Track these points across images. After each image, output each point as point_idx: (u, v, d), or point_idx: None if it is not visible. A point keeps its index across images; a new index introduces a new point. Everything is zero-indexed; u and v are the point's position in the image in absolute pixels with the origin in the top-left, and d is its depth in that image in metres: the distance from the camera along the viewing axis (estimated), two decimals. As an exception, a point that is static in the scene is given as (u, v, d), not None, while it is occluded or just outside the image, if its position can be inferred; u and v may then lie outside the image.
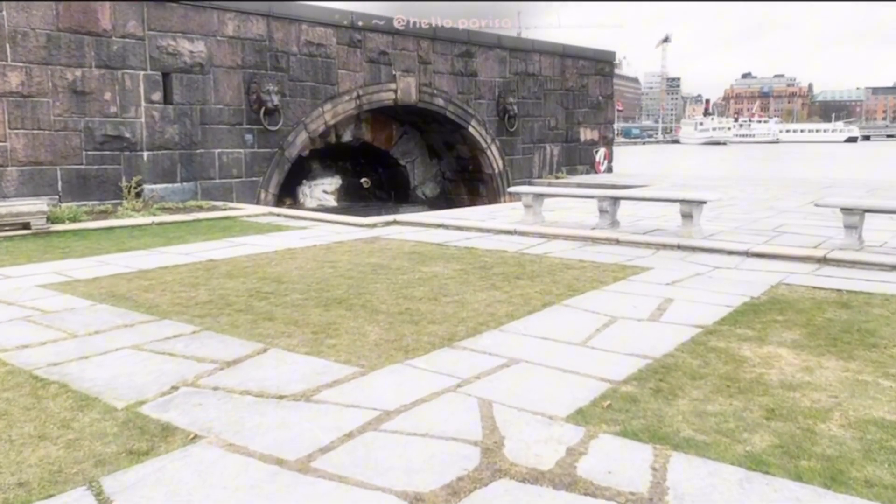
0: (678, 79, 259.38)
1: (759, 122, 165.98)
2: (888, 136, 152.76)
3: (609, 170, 22.74)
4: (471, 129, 17.80)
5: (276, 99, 13.31)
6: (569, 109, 20.91)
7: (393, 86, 15.80)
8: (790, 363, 4.25)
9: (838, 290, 6.16)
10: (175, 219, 10.60)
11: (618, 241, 8.59)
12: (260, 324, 5.06)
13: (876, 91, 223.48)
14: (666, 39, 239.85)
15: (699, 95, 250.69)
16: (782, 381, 3.93)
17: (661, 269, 7.10)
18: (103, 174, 11.53)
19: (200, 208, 11.97)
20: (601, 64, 22.12)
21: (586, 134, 21.71)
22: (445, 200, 19.72)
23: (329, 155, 18.41)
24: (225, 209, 11.89)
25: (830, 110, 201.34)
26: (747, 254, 7.76)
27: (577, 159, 21.51)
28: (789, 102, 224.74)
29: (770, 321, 5.17)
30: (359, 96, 15.15)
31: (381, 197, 19.37)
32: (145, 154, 11.98)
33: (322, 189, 18.05)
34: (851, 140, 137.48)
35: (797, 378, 3.98)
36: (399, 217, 10.65)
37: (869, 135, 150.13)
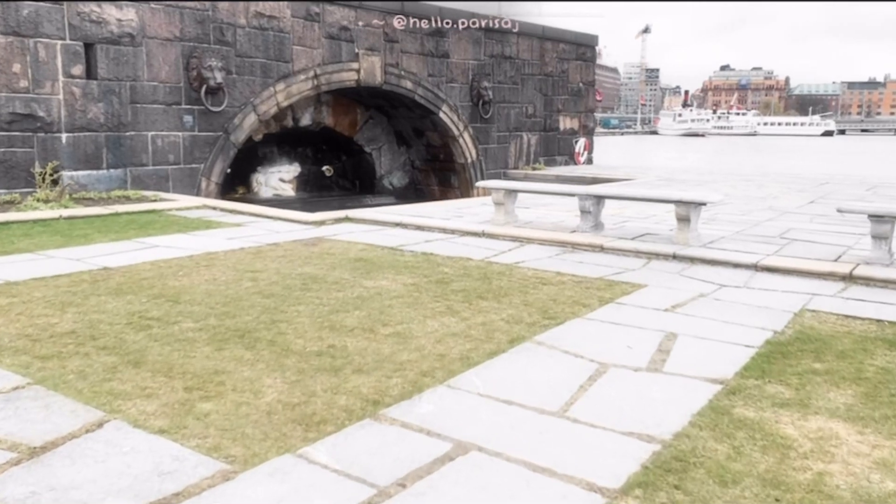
0: (657, 70, 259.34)
1: (738, 114, 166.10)
2: (862, 130, 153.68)
3: (589, 161, 21.49)
4: (442, 114, 16.42)
5: (219, 76, 11.82)
6: (548, 96, 19.59)
7: (355, 65, 14.35)
8: (855, 450, 2.97)
9: (879, 322, 4.92)
10: (89, 212, 9.12)
11: (602, 248, 7.29)
12: (119, 372, 3.68)
13: (851, 86, 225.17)
14: (646, 30, 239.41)
15: (678, 87, 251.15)
16: (855, 490, 2.65)
17: (657, 288, 5.81)
18: (11, 159, 10.00)
19: (128, 199, 10.48)
20: (582, 48, 20.80)
21: (566, 123, 20.41)
22: (414, 191, 18.34)
23: (288, 140, 16.94)
24: (155, 200, 10.42)
25: (807, 104, 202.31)
26: (756, 267, 6.50)
27: (556, 149, 20.22)
28: (767, 95, 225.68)
29: (807, 371, 3.90)
30: (316, 76, 13.69)
31: (344, 186, 17.94)
32: (64, 136, 10.46)
33: (279, 177, 16.59)
34: (828, 134, 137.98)
35: (875, 483, 2.70)
36: (352, 213, 9.27)
37: (844, 129, 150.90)
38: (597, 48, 21.55)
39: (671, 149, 73.63)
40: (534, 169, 18.69)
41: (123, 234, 7.86)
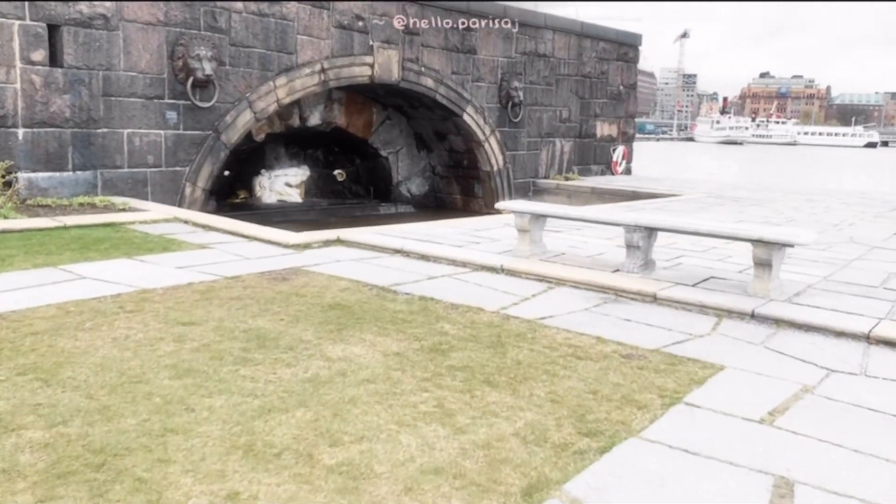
0: (695, 75, 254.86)
1: (777, 122, 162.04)
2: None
3: (628, 171, 19.69)
4: (466, 116, 14.78)
5: (208, 67, 10.30)
6: (584, 99, 17.84)
7: (369, 59, 12.77)
8: None
9: None
10: (31, 224, 7.64)
11: (655, 299, 5.60)
12: None
13: (895, 96, 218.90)
14: (684, 35, 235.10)
15: (715, 93, 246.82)
16: None
17: (739, 372, 4.12)
18: (-45, 156, 8.58)
19: (93, 207, 9.01)
20: (624, 48, 19.02)
21: (603, 129, 18.64)
22: (434, 200, 16.74)
23: (296, 141, 15.44)
24: (123, 209, 8.93)
25: (848, 114, 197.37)
26: (869, 339, 4.77)
27: (592, 157, 18.46)
28: (807, 104, 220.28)
29: None
30: (324, 70, 12.13)
31: (357, 193, 16.38)
32: (21, 132, 9.02)
33: (285, 181, 15.09)
34: (871, 145, 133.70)
35: None
36: (345, 234, 7.66)
37: (887, 140, 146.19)
38: (640, 49, 19.74)
39: (710, 157, 71.07)
40: (566, 179, 16.96)
41: (55, 257, 6.33)
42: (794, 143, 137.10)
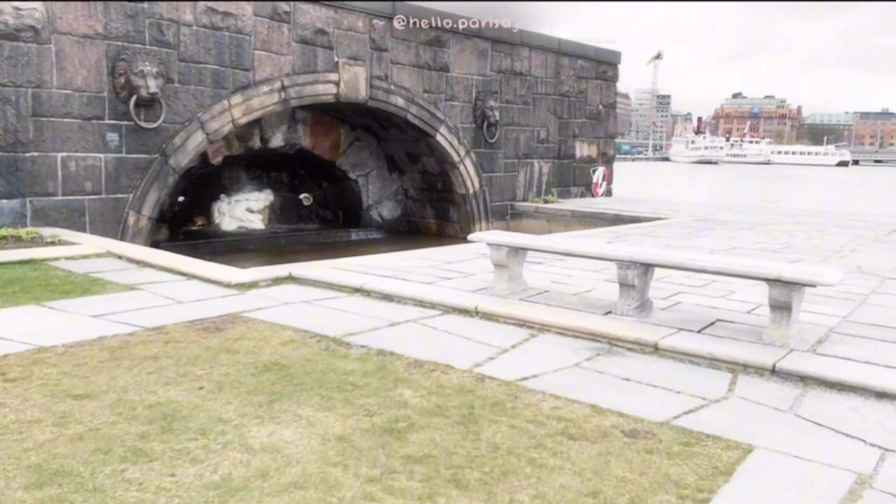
0: (669, 96, 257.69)
1: (751, 142, 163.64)
2: (876, 161, 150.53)
3: (608, 193, 18.97)
4: (439, 137, 13.96)
5: (153, 84, 9.38)
6: (563, 119, 17.12)
7: (334, 76, 11.92)
8: None
9: None
10: (-67, 263, 6.64)
11: (656, 349, 4.74)
12: None
13: (865, 116, 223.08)
14: (658, 56, 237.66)
15: (689, 113, 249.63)
16: None
17: (771, 456, 3.26)
18: None
19: (18, 240, 8.01)
20: (603, 66, 18.37)
21: (583, 149, 17.93)
22: (407, 224, 15.86)
23: (258, 164, 14.51)
24: (52, 242, 7.95)
25: (820, 133, 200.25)
26: (919, 400, 3.94)
27: (571, 179, 17.72)
28: (779, 124, 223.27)
29: None
30: (284, 87, 11.25)
31: (325, 218, 15.46)
32: (-65, 156, 8.02)
33: (246, 207, 14.13)
34: (843, 164, 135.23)
35: None
36: (299, 270, 6.74)
37: (858, 159, 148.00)
38: (619, 67, 19.11)
39: (688, 177, 71.01)
40: (546, 202, 16.18)
41: (-55, 304, 5.35)
42: (768, 163, 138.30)
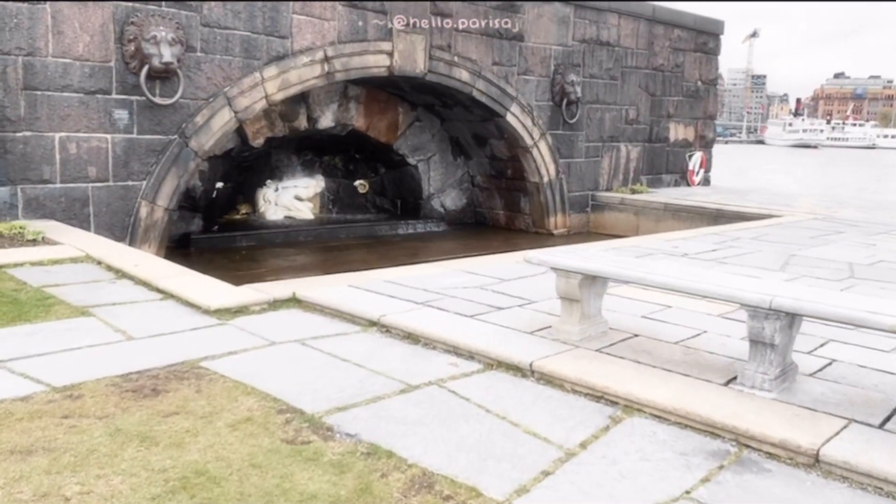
0: (764, 76, 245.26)
1: (854, 125, 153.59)
2: None
3: (706, 181, 16.72)
4: (510, 117, 12.15)
5: (168, 53, 7.96)
6: (655, 96, 14.99)
7: (387, 46, 10.27)
8: None
9: None
10: None
11: (817, 462, 2.91)
12: None
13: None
14: (753, 34, 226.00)
15: (785, 95, 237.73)
16: None
17: None
18: None
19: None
20: (703, 37, 16.07)
21: (678, 132, 15.74)
22: (473, 215, 14.16)
23: (310, 146, 13.08)
24: (34, 240, 6.65)
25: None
26: None
27: (664, 166, 15.58)
28: (885, 106, 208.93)
29: None
30: (327, 58, 9.68)
31: (382, 207, 13.92)
32: None
33: (294, 194, 12.72)
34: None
35: None
36: (304, 289, 5.15)
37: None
38: (721, 38, 16.76)
39: (788, 162, 66.29)
40: (633, 192, 14.15)
41: None
42: (872, 147, 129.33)
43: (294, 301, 5.10)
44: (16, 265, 5.76)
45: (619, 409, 3.44)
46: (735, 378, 3.67)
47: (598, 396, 3.54)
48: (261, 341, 4.26)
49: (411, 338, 4.38)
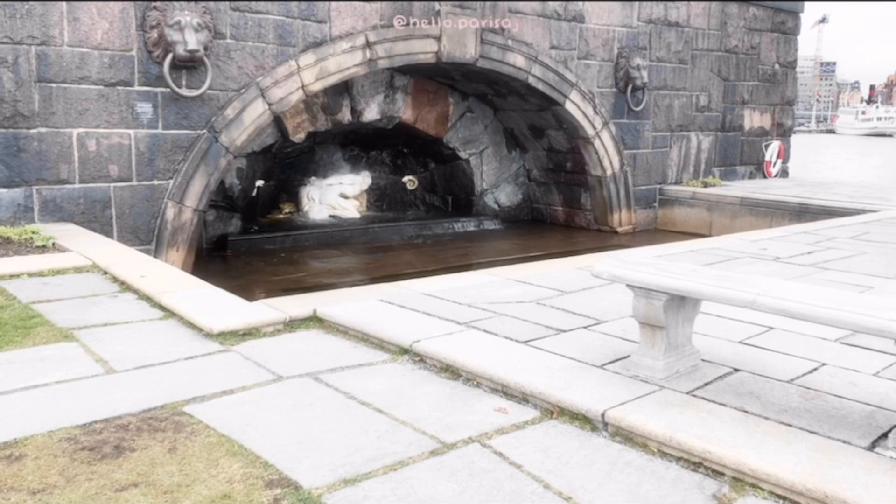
0: (833, 63, 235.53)
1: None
2: None
3: (783, 173, 15.38)
4: (569, 105, 11.18)
5: (194, 40, 7.29)
6: (729, 81, 13.76)
7: (434, 29, 9.44)
8: None
9: None
10: None
11: None
12: None
13: None
14: (823, 20, 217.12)
15: (856, 82, 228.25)
16: None
17: None
18: None
19: (7, 242, 6.18)
20: (782, 15, 14.74)
21: (753, 119, 14.47)
22: (529, 212, 13.24)
23: (357, 140, 12.36)
24: (43, 247, 6.05)
25: None
26: None
27: (738, 156, 14.34)
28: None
29: None
30: (369, 44, 8.90)
31: (432, 204, 13.11)
32: None
33: (339, 192, 12.00)
34: None
35: None
36: (327, 306, 4.36)
37: None
38: (801, 17, 15.38)
39: (864, 152, 62.95)
40: (705, 185, 12.98)
41: None
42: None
43: (314, 320, 4.31)
44: (12, 276, 5.13)
45: (725, 485, 2.52)
46: (882, 437, 2.71)
47: (696, 464, 2.63)
48: (265, 375, 3.47)
49: (450, 371, 3.53)
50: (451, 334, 3.93)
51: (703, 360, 3.52)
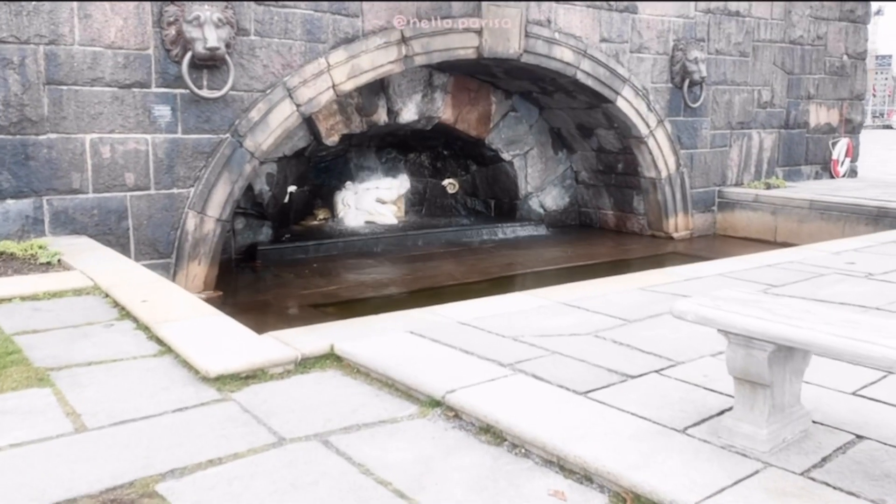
0: (889, 56, 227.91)
1: None
2: None
3: (852, 172, 14.28)
4: (621, 102, 10.37)
5: (214, 37, 6.73)
6: (793, 74, 12.76)
7: (474, 23, 8.74)
8: None
9: None
10: None
11: None
12: None
13: None
14: (878, 12, 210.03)
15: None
16: None
17: None
18: None
19: (11, 258, 5.69)
20: (850, 3, 13.66)
21: (819, 115, 13.43)
22: (577, 216, 12.45)
23: (394, 143, 11.75)
24: (47, 263, 5.55)
25: None
26: None
27: (803, 155, 13.32)
28: None
29: None
30: (404, 39, 8.25)
31: (473, 209, 12.41)
32: None
33: (376, 196, 11.39)
34: None
35: None
36: (347, 341, 3.72)
37: None
38: (871, 5, 14.27)
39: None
40: (768, 187, 12.02)
41: None
42: None
43: (331, 358, 3.66)
44: (2, 301, 4.60)
45: None
46: None
47: None
48: (264, 437, 2.83)
49: (491, 433, 2.84)
50: (492, 380, 3.24)
51: (813, 423, 2.77)
